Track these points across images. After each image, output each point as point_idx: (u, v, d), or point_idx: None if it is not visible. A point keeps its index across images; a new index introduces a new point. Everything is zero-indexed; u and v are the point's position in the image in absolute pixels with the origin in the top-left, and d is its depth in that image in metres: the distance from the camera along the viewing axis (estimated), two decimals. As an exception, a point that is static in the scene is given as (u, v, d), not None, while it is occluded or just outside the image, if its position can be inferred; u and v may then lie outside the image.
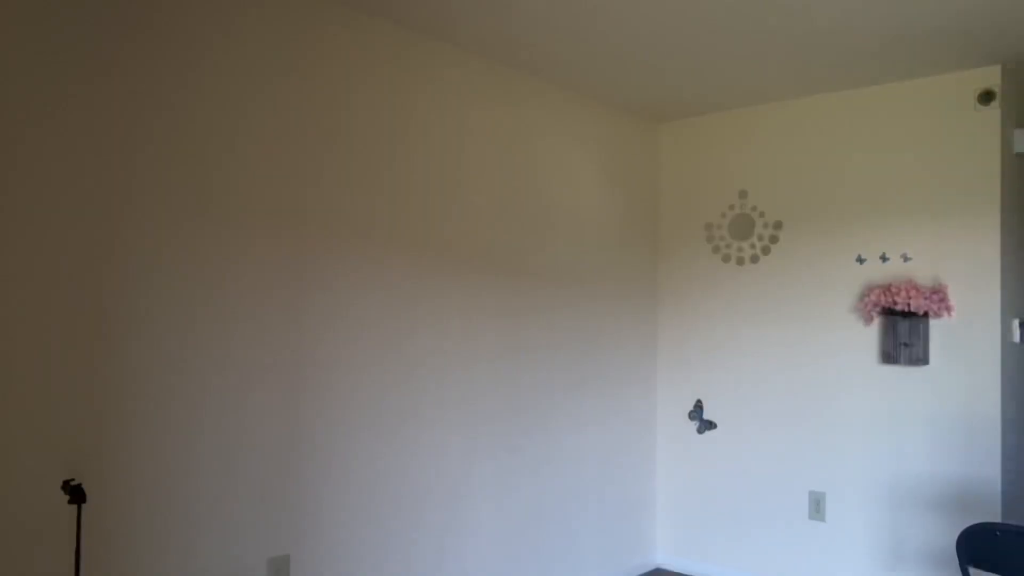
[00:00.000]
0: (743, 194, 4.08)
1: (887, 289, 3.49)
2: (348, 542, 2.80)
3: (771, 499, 3.93)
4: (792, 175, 3.91)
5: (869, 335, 3.63)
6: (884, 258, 3.60)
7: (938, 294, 3.37)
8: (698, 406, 4.18)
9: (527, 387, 3.54)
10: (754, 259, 4.03)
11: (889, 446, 3.56)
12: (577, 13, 2.85)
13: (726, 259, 4.13)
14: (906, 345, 3.45)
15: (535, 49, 3.24)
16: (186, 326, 2.36)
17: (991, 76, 3.35)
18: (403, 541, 2.99)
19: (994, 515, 3.26)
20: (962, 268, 3.40)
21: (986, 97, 3.35)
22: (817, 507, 3.77)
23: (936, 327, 3.44)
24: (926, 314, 3.41)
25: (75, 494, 2.02)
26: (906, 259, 3.54)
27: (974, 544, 2.37)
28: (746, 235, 4.06)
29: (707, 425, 3.92)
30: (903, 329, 3.46)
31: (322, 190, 2.73)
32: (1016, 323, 3.43)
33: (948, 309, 3.37)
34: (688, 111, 4.18)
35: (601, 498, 3.95)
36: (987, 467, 3.31)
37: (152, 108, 2.29)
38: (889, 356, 3.51)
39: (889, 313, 3.50)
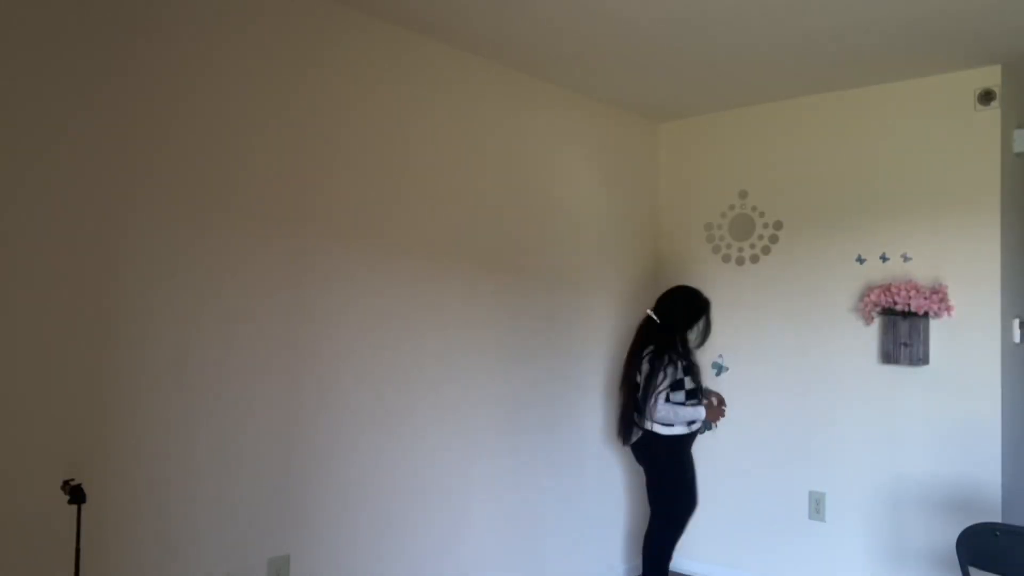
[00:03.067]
0: (743, 194, 4.08)
1: (887, 289, 3.48)
2: (348, 542, 2.80)
3: (771, 499, 3.93)
4: (792, 175, 3.91)
5: (869, 335, 3.63)
6: (884, 258, 3.60)
7: (938, 294, 3.37)
8: (698, 406, 4.17)
9: (527, 387, 3.54)
10: (754, 259, 4.03)
11: (889, 446, 3.56)
12: (577, 14, 2.85)
13: (726, 259, 4.13)
14: (906, 345, 3.45)
15: (535, 49, 3.24)
16: (187, 326, 2.36)
17: (991, 76, 3.35)
18: (403, 541, 2.99)
19: (994, 515, 3.26)
20: (962, 268, 3.39)
21: (986, 97, 3.34)
22: (817, 507, 3.77)
23: (936, 327, 3.44)
24: (926, 314, 3.40)
25: (75, 494, 2.02)
26: (906, 259, 3.54)
27: (974, 544, 2.37)
28: (746, 235, 4.06)
29: (707, 425, 3.91)
30: (903, 329, 3.45)
31: (323, 191, 2.73)
32: (1016, 323, 3.43)
33: (948, 309, 3.37)
34: (688, 111, 4.17)
35: (601, 498, 3.95)
36: (987, 467, 3.31)
37: (156, 110, 2.29)
38: (889, 356, 3.51)
39: (889, 313, 3.50)
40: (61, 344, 2.11)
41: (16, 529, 2.03)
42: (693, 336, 3.61)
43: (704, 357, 4.18)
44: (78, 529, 2.03)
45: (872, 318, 3.57)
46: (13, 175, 2.03)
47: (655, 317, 3.56)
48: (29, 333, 2.06)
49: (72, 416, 2.13)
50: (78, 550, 2.03)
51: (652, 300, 4.31)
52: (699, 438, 4.13)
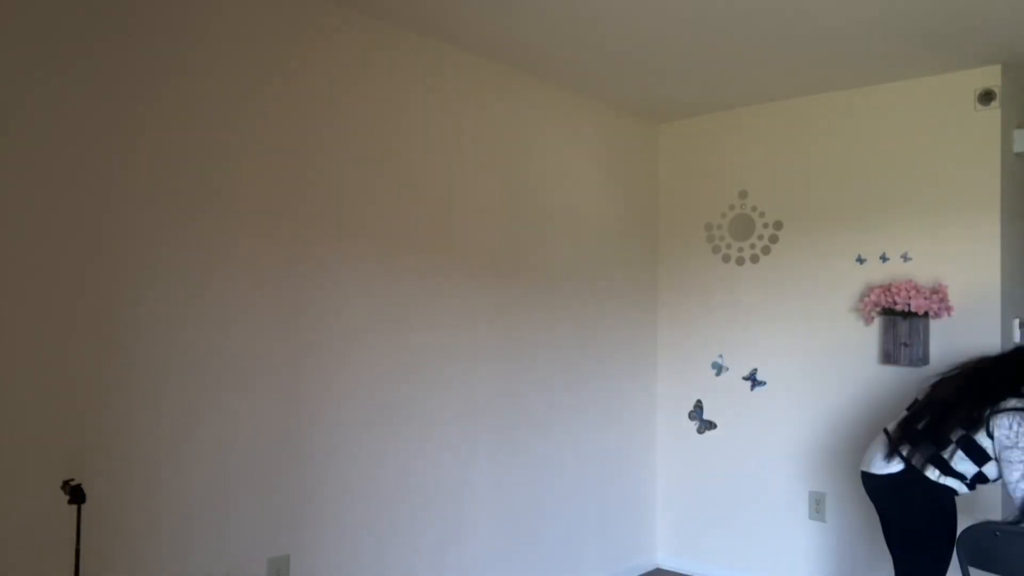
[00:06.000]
0: (743, 194, 4.07)
1: (887, 289, 3.48)
2: (348, 542, 2.80)
3: (771, 499, 3.93)
4: (792, 175, 3.91)
5: (869, 335, 3.63)
6: (884, 258, 3.60)
7: (938, 294, 3.37)
8: (698, 406, 4.17)
9: (527, 387, 3.54)
10: (754, 259, 4.03)
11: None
12: (577, 13, 2.85)
13: (726, 259, 4.13)
14: (906, 345, 3.45)
15: (535, 49, 3.24)
16: (185, 326, 2.36)
17: (991, 76, 3.35)
18: (403, 541, 2.99)
19: (994, 515, 3.26)
20: (962, 268, 3.39)
21: (986, 97, 3.34)
22: (817, 507, 3.77)
23: (936, 327, 3.44)
24: (926, 314, 3.40)
25: (75, 494, 2.01)
26: (906, 259, 3.54)
27: (974, 544, 2.37)
28: (746, 235, 4.06)
29: (707, 425, 3.92)
30: (903, 329, 3.45)
31: (320, 189, 2.73)
32: (1016, 323, 3.43)
33: (948, 309, 3.37)
34: (688, 111, 4.17)
35: (601, 498, 3.95)
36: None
37: (147, 107, 2.29)
38: (889, 356, 3.51)
39: (889, 313, 3.50)
40: (60, 344, 2.11)
41: (16, 529, 2.03)
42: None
43: (704, 357, 4.18)
44: (78, 529, 2.03)
45: (872, 318, 3.57)
46: (4, 174, 2.03)
47: None
48: (28, 333, 2.06)
49: (72, 416, 2.13)
50: (78, 550, 2.03)
51: (651, 300, 4.32)
52: (700, 437, 4.14)
